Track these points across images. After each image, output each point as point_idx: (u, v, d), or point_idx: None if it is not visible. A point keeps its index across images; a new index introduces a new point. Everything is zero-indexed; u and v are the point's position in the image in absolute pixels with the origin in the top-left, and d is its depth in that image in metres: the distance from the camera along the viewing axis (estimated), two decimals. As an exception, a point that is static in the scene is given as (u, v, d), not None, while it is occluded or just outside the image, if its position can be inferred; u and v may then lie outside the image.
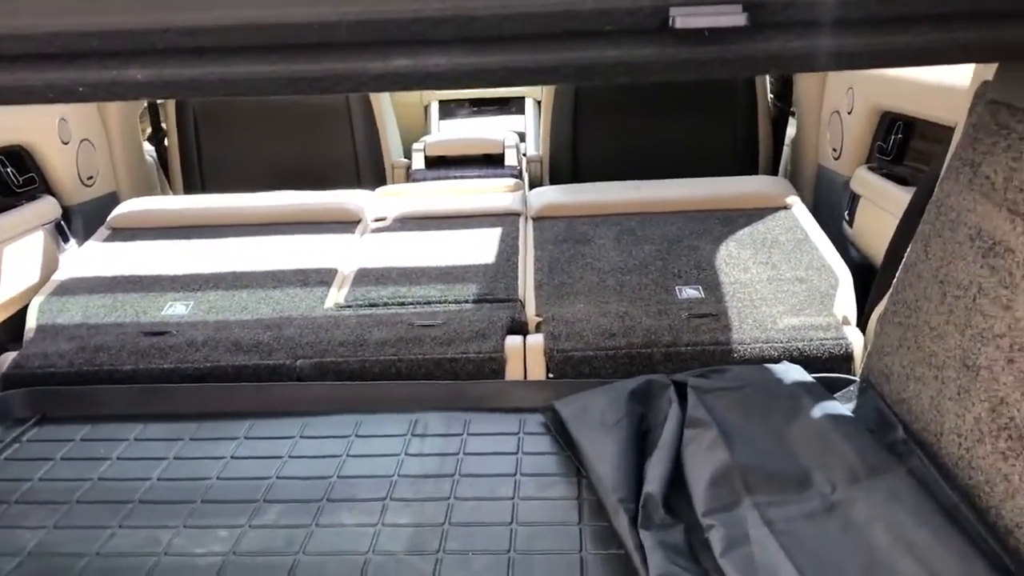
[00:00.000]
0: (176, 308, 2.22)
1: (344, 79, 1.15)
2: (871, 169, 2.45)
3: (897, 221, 1.99)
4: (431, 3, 1.07)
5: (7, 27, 1.09)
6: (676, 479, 1.50)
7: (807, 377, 1.72)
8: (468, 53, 1.11)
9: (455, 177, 3.18)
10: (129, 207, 2.82)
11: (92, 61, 1.12)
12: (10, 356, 2.06)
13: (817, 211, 2.66)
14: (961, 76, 1.79)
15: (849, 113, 2.62)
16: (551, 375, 1.95)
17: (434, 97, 4.06)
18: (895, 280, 1.67)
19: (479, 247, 2.46)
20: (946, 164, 1.53)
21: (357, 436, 1.78)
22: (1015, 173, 1.30)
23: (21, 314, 2.30)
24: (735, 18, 1.02)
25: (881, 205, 2.27)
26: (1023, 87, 1.34)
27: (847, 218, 2.51)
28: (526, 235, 2.55)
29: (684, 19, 1.02)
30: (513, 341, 2.01)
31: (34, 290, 2.39)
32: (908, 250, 1.62)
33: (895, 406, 1.62)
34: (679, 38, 1.06)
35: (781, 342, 1.93)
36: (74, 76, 1.13)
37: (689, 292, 2.14)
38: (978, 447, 1.36)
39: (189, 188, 3.32)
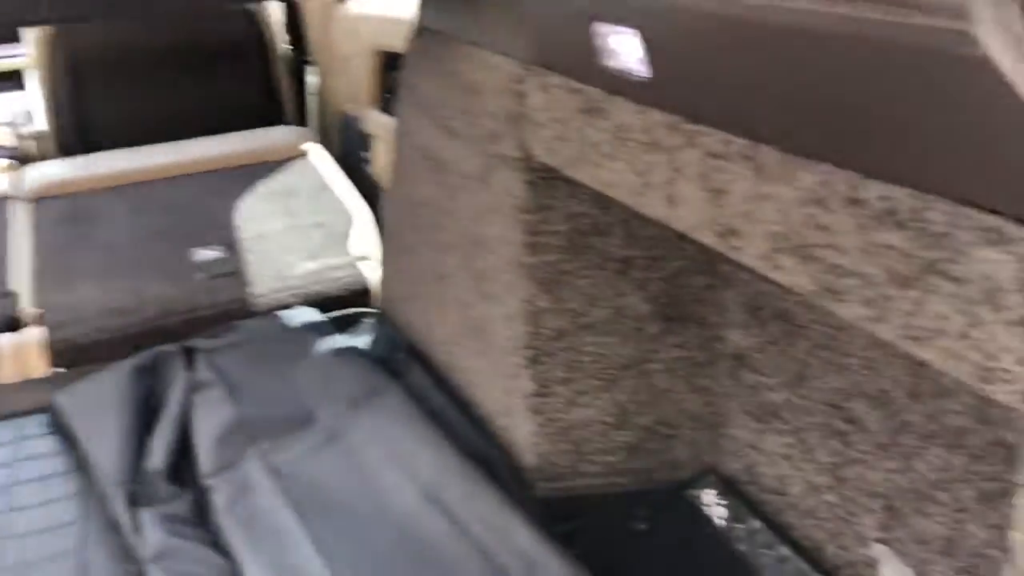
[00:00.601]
0: None
1: None
2: (380, 108, 2.52)
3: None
4: None
5: None
6: (186, 448, 1.44)
7: (318, 317, 1.73)
8: None
9: None
10: None
11: None
12: None
13: (349, 156, 2.70)
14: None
15: (356, 57, 2.67)
16: (57, 367, 1.77)
17: None
18: (383, 208, 1.73)
19: None
20: (399, 90, 1.60)
21: None
22: (441, 93, 1.38)
23: None
24: None
25: (388, 141, 2.35)
26: (443, 13, 1.42)
27: (367, 159, 2.57)
28: (20, 220, 2.28)
29: None
30: (7, 339, 1.79)
31: None
32: (383, 177, 1.69)
33: (402, 328, 1.70)
34: None
35: (300, 288, 1.93)
36: None
37: (207, 254, 2.06)
38: (457, 349, 1.46)
39: None
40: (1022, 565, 0.60)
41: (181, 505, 1.31)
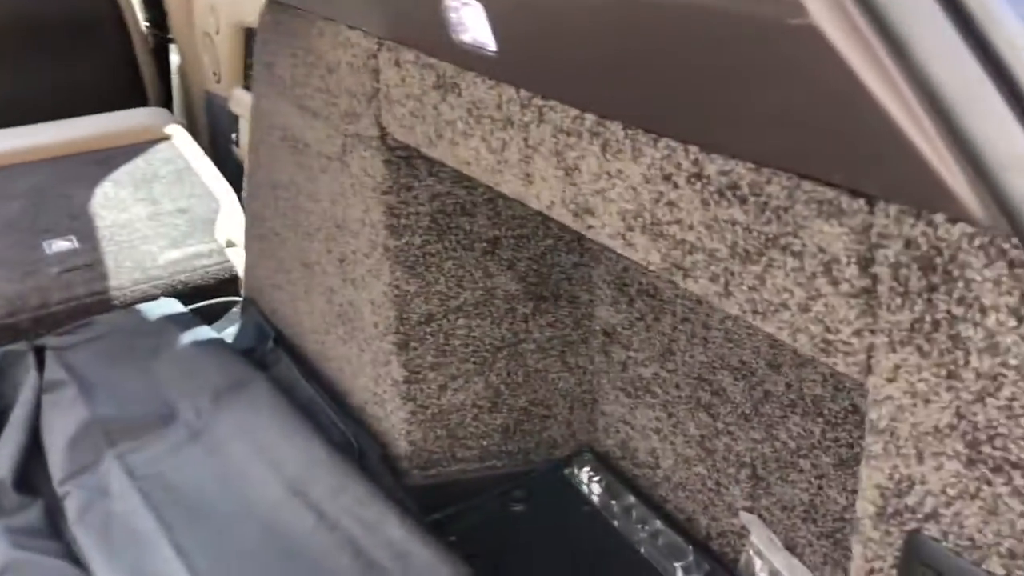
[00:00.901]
0: None
1: None
2: (246, 88, 2.42)
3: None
4: None
5: None
6: (37, 454, 1.35)
7: (180, 309, 1.65)
8: None
9: None
10: None
11: None
12: None
13: (214, 138, 2.59)
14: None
15: (217, 33, 2.55)
16: None
17: None
18: (244, 193, 1.66)
19: None
20: (254, 68, 1.53)
21: None
22: (296, 71, 1.32)
23: None
24: None
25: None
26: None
27: (234, 140, 2.47)
28: None
29: None
30: None
31: None
32: (246, 160, 1.61)
33: (269, 317, 1.63)
34: None
35: (163, 278, 1.83)
36: None
37: (61, 245, 1.93)
38: (326, 338, 1.42)
39: None
40: (867, 531, 0.61)
41: (30, 515, 1.22)
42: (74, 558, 1.15)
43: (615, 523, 1.23)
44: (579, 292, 1.27)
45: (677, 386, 1.16)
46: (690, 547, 1.16)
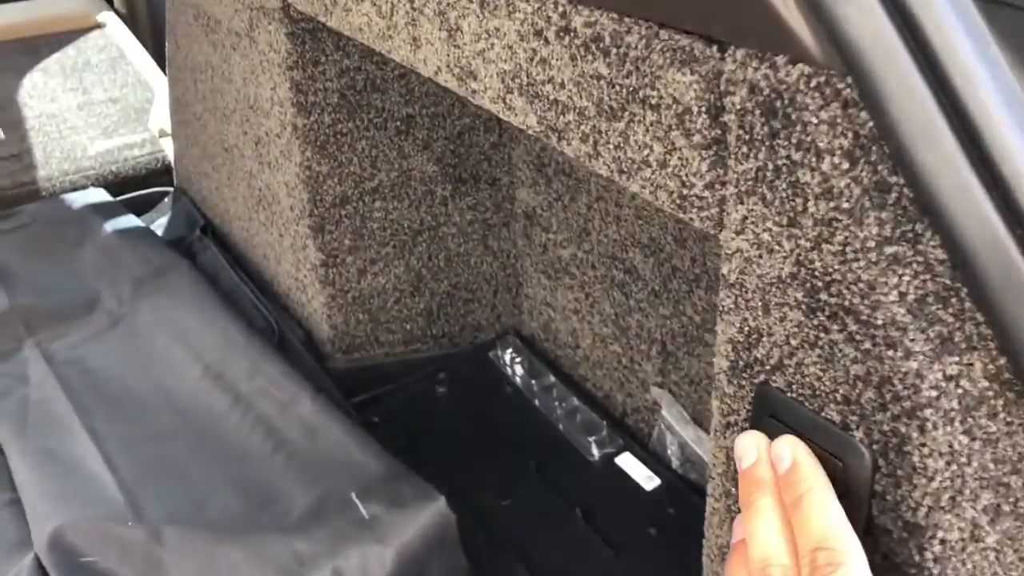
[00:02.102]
0: None
1: None
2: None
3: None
4: None
5: None
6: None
7: (107, 198, 1.62)
8: None
9: None
10: None
11: None
12: None
13: (155, 27, 2.49)
14: None
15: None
16: None
17: None
18: (167, 78, 1.61)
19: None
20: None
21: None
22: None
23: None
24: None
25: None
26: None
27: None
28: None
29: None
30: None
31: None
32: (166, 45, 1.55)
33: (199, 205, 1.60)
34: None
35: (93, 169, 1.79)
36: None
37: (-12, 136, 1.88)
38: (250, 224, 1.40)
39: None
40: (723, 386, 0.61)
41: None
42: (-10, 444, 1.15)
43: (535, 402, 1.24)
44: (499, 174, 1.25)
45: (593, 266, 1.16)
46: (605, 422, 1.17)
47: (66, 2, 2.52)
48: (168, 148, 1.87)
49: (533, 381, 1.26)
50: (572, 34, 0.64)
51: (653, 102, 0.59)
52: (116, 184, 1.77)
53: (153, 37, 2.47)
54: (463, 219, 1.26)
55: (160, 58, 2.25)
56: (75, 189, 1.75)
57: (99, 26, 2.32)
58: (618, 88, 0.61)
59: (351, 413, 1.15)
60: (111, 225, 1.50)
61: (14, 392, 1.19)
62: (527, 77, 0.70)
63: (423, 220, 1.24)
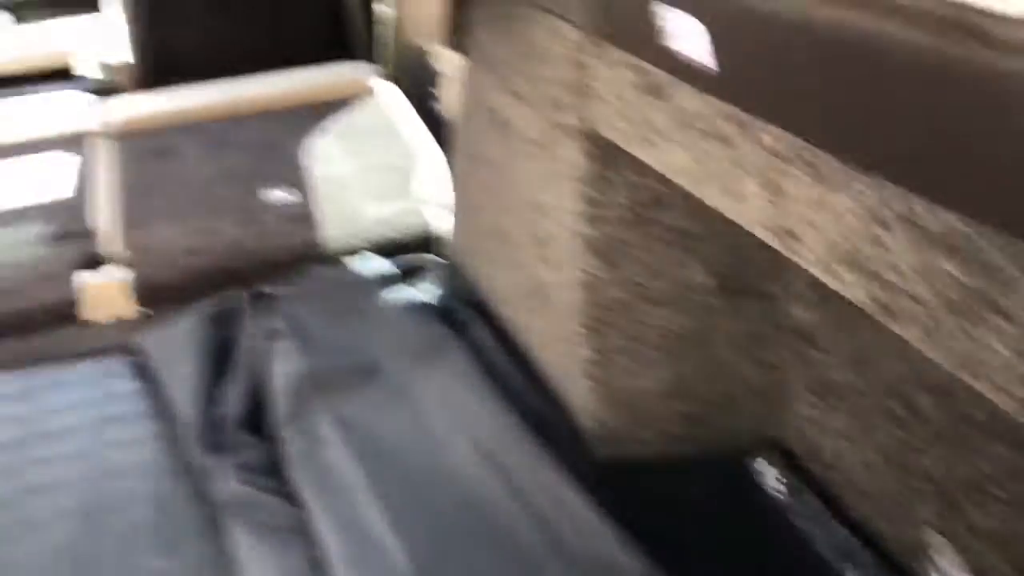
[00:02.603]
0: None
1: None
2: (451, 45, 2.49)
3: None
4: None
5: None
6: (259, 397, 1.50)
7: (386, 266, 1.76)
8: None
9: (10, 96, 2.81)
10: None
11: None
12: None
13: (418, 93, 2.68)
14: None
15: (425, -12, 2.63)
16: (139, 308, 1.85)
17: None
18: (452, 160, 1.74)
19: (48, 178, 2.24)
20: (469, 45, 1.59)
21: None
22: (508, 54, 1.36)
23: None
24: None
25: (459, 81, 2.32)
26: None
27: (436, 96, 2.56)
28: (102, 157, 2.34)
29: None
30: (87, 278, 1.87)
31: None
32: (458, 131, 1.68)
33: (468, 280, 1.72)
34: None
35: (368, 233, 1.96)
36: None
37: (278, 195, 2.10)
38: (520, 309, 1.48)
39: None
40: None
41: (255, 454, 1.37)
42: (290, 498, 1.29)
43: (793, 521, 1.23)
44: (773, 288, 1.26)
45: (869, 395, 1.14)
46: (868, 554, 1.15)
47: (343, 69, 2.76)
48: (435, 216, 2.01)
49: (793, 499, 1.25)
50: (917, 226, 0.65)
51: (1007, 311, 0.59)
52: (386, 247, 1.92)
53: (413, 102, 2.63)
54: (733, 329, 1.28)
55: (427, 122, 2.42)
56: (352, 251, 1.92)
57: (373, 92, 2.53)
58: (966, 288, 0.62)
59: (613, 511, 1.19)
60: (390, 294, 1.63)
61: (315, 454, 1.33)
62: (860, 253, 0.72)
63: (694, 328, 1.27)
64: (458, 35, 2.22)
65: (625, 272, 1.22)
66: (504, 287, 1.52)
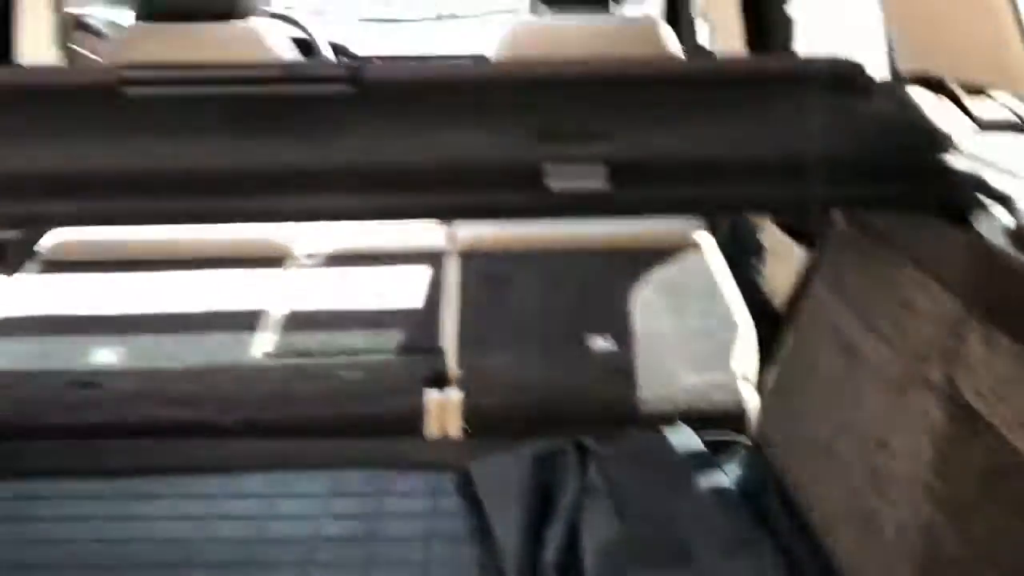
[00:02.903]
0: (105, 355, 2.27)
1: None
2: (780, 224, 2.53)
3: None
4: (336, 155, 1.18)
5: None
6: (573, 547, 1.63)
7: (699, 444, 1.85)
8: (367, 198, 1.23)
9: None
10: (59, 237, 2.83)
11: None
12: None
13: (737, 256, 2.71)
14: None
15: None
16: (467, 431, 2.06)
17: None
18: (781, 354, 1.81)
19: (405, 288, 2.54)
20: (817, 256, 1.66)
21: (279, 496, 1.87)
22: (866, 285, 1.43)
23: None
24: (600, 182, 1.14)
25: (785, 260, 2.37)
26: (876, 218, 1.47)
27: (755, 264, 2.62)
28: (451, 274, 2.60)
29: (556, 182, 1.14)
30: (432, 396, 2.11)
31: None
32: (790, 327, 1.76)
33: (777, 474, 1.77)
34: (551, 192, 1.18)
35: (681, 401, 2.05)
36: None
37: (601, 343, 2.25)
38: (837, 527, 1.51)
39: None
40: None
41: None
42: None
43: None
44: None
45: None
46: None
47: (672, 219, 2.87)
48: (746, 393, 2.06)
49: None
50: None
51: None
52: (696, 419, 1.99)
53: (736, 267, 2.66)
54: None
55: (742, 289, 2.47)
56: (665, 416, 2.01)
57: (696, 246, 2.63)
58: None
59: None
60: (706, 478, 1.72)
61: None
62: None
63: None
64: (809, 234, 2.27)
65: (970, 532, 1.23)
66: (820, 498, 1.56)
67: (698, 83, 1.19)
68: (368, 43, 3.63)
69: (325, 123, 1.17)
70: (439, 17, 4.56)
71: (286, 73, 1.18)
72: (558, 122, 1.16)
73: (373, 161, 1.16)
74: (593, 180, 1.14)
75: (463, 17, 4.50)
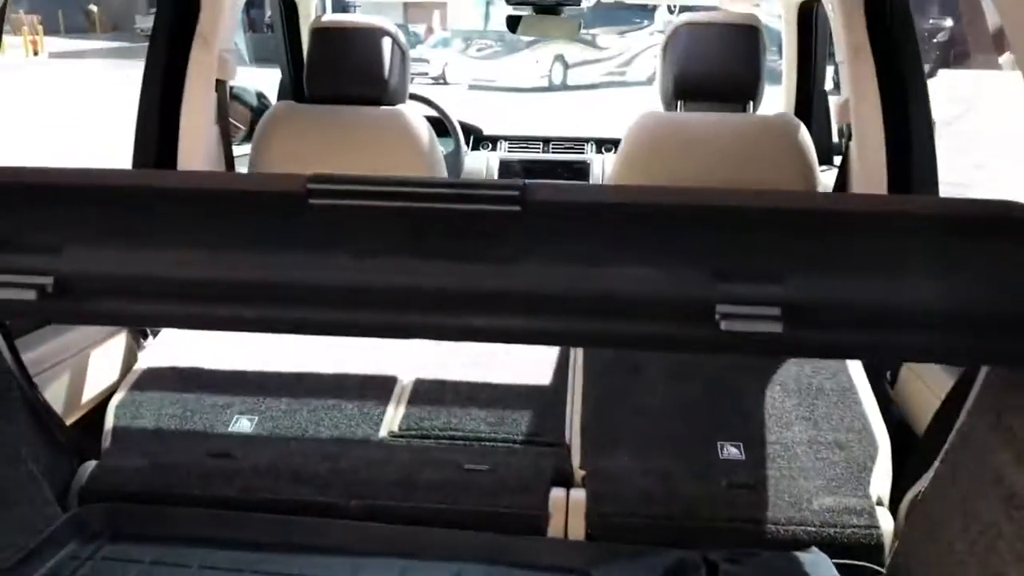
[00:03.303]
0: (242, 423, 2.35)
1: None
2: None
3: (936, 400, 1.99)
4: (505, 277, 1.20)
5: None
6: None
7: (833, 572, 1.78)
8: (532, 320, 1.24)
9: None
10: None
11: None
12: (88, 467, 2.21)
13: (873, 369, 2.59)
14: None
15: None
16: (590, 534, 2.02)
17: None
18: (924, 491, 1.72)
19: (531, 368, 2.52)
20: (974, 396, 1.59)
21: None
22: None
23: (100, 410, 2.46)
24: (774, 324, 1.13)
25: (924, 380, 2.27)
26: None
27: (889, 379, 2.51)
28: (579, 358, 2.56)
29: (730, 323, 1.13)
30: (556, 495, 2.08)
31: (114, 386, 2.54)
32: (938, 465, 1.68)
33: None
34: (722, 332, 1.16)
35: (814, 525, 1.95)
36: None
37: (730, 451, 2.17)
38: None
39: None
40: None
41: None
42: None
43: None
44: None
45: None
46: None
47: None
48: (883, 522, 1.95)
49: None
50: None
51: None
52: (829, 545, 1.90)
53: (869, 371, 2.54)
54: None
55: (877, 395, 2.34)
56: (795, 540, 1.93)
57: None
58: None
59: None
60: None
61: None
62: None
63: None
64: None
65: None
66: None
67: (877, 226, 1.16)
68: (482, 109, 3.71)
69: (496, 243, 1.20)
70: (550, 86, 4.63)
71: (463, 192, 1.21)
72: (733, 261, 1.16)
73: (542, 285, 1.18)
74: (766, 324, 1.12)
75: (574, 88, 4.55)
